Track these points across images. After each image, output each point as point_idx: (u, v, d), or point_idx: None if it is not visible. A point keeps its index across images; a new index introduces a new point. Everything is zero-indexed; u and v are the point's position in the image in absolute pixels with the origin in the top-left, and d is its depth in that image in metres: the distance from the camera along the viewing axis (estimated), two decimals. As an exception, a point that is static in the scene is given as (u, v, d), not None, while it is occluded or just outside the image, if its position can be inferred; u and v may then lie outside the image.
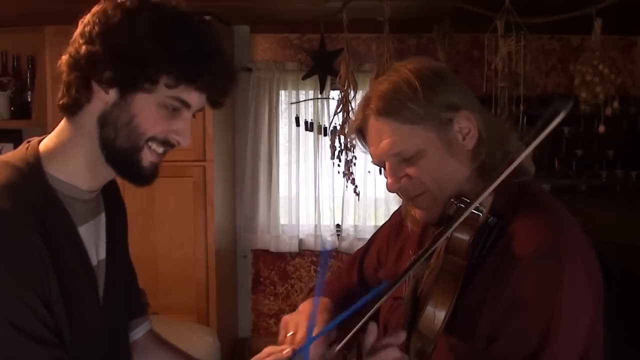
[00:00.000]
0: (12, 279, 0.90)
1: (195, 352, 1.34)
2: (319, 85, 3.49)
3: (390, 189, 1.11)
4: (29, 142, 1.05)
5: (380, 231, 1.39)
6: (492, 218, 1.04)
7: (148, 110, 0.98)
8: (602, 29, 2.55)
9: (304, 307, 1.22)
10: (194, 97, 1.00)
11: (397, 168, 1.08)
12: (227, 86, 1.04)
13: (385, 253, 1.32)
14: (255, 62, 3.66)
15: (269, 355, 1.07)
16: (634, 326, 2.56)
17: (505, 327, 0.97)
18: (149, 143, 1.00)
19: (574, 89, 2.69)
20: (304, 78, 3.51)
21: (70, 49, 0.99)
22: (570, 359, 0.97)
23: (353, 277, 1.39)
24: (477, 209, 0.98)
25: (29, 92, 3.25)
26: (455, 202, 1.03)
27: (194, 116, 1.04)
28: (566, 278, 0.96)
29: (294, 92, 3.66)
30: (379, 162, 1.12)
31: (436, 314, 0.88)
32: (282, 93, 3.68)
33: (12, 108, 3.21)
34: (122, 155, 1.01)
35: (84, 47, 0.96)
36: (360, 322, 0.93)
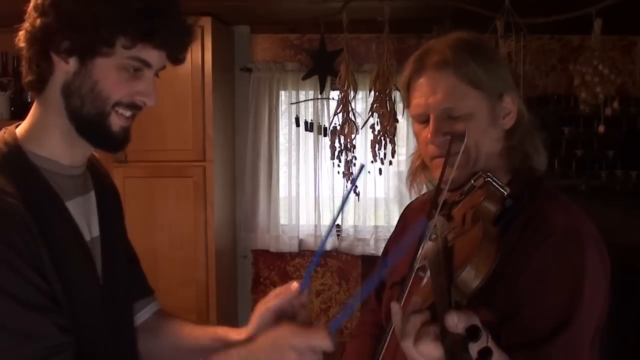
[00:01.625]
0: (2, 249, 0.89)
1: (195, 352, 1.34)
2: (319, 85, 3.49)
3: (432, 141, 1.11)
4: (6, 128, 1.06)
5: (387, 243, 1.41)
6: (508, 200, 1.06)
7: (109, 74, 0.98)
8: (602, 29, 2.56)
9: None
10: (153, 55, 0.99)
11: (441, 123, 1.10)
12: (184, 40, 1.03)
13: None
14: (255, 63, 3.66)
15: (277, 295, 1.06)
16: (633, 326, 2.56)
17: (529, 300, 0.98)
18: (116, 108, 1.00)
19: (574, 89, 2.69)
20: (304, 78, 3.51)
21: (26, 24, 1.00)
22: (588, 336, 0.99)
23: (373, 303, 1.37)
24: (502, 187, 1.04)
25: (29, 93, 3.24)
26: (483, 175, 1.07)
27: (157, 75, 1.04)
28: (587, 262, 0.99)
29: (294, 93, 3.66)
30: (423, 113, 1.13)
31: (475, 275, 0.87)
32: (282, 93, 3.68)
33: (12, 108, 3.21)
34: (91, 123, 1.00)
35: (38, 20, 0.97)
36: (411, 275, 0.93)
